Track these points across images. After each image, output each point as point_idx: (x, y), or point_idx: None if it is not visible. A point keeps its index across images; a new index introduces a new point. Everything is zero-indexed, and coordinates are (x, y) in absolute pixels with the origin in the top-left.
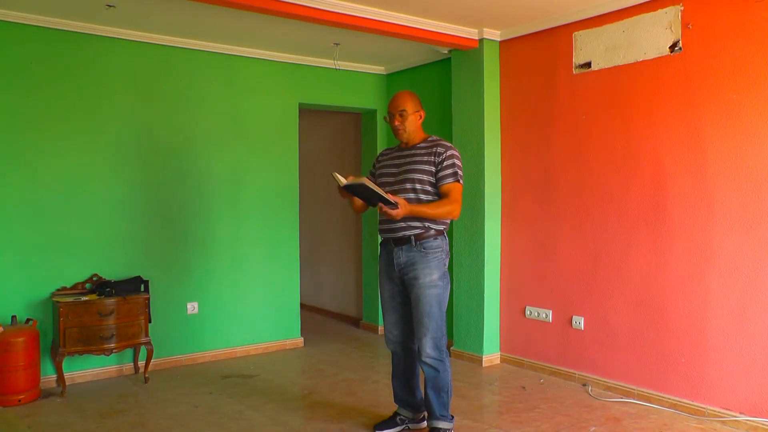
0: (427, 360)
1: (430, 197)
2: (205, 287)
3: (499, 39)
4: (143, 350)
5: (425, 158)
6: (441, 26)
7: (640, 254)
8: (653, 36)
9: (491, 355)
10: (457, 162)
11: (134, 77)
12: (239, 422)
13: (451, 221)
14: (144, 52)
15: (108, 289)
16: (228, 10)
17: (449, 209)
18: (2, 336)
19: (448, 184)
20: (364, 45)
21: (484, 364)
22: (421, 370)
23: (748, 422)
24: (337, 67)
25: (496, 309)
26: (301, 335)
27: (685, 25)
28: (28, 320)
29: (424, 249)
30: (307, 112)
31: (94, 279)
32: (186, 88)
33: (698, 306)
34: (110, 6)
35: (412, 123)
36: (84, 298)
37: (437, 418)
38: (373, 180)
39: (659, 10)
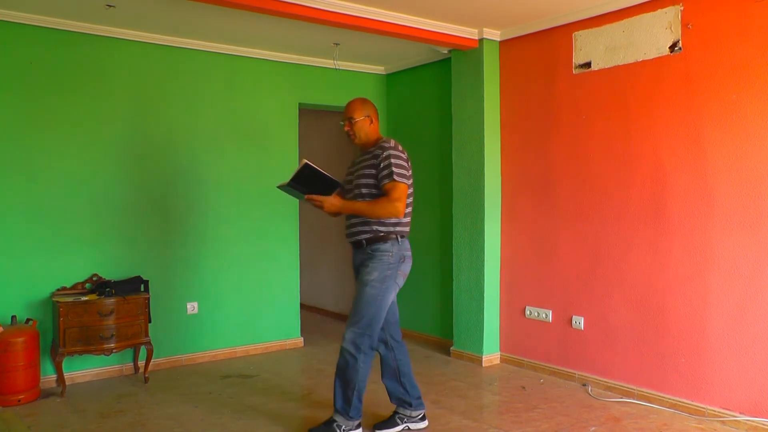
0: (343, 350)
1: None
2: (205, 287)
3: (499, 39)
4: (143, 350)
5: (369, 162)
6: (441, 26)
7: (640, 254)
8: (653, 36)
9: (491, 355)
10: (395, 161)
11: (134, 77)
12: (239, 422)
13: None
14: (144, 52)
15: (108, 289)
16: (228, 10)
17: (388, 207)
18: (2, 336)
19: (387, 183)
20: (364, 45)
21: (484, 364)
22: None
23: (748, 422)
24: (337, 67)
25: (496, 309)
26: (301, 335)
27: (685, 25)
28: (28, 320)
29: (371, 251)
30: (307, 112)
31: (94, 279)
32: (186, 88)
33: (698, 306)
34: (110, 6)
35: (361, 129)
36: (84, 298)
37: (337, 411)
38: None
39: (659, 10)
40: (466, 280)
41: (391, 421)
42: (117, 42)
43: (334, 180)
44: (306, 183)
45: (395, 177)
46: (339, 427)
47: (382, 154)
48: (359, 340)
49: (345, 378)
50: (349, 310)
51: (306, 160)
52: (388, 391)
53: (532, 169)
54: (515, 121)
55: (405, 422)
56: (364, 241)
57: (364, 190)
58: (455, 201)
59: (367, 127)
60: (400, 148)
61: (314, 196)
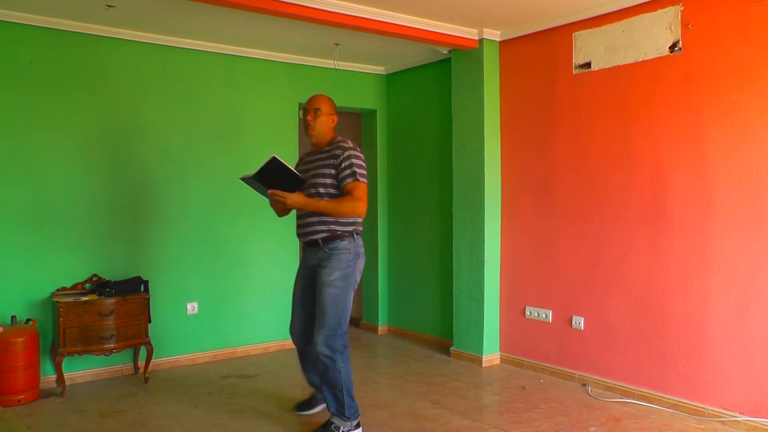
0: (320, 356)
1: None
2: (205, 287)
3: (499, 39)
4: (143, 350)
5: (327, 162)
6: (441, 26)
7: (640, 254)
8: (653, 36)
9: (491, 355)
10: (356, 161)
11: (134, 77)
12: (239, 422)
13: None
14: (144, 52)
15: (108, 289)
16: (228, 10)
17: (351, 206)
18: (2, 336)
19: (350, 183)
20: (364, 45)
21: (484, 364)
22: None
23: (748, 422)
24: (337, 67)
25: (496, 309)
26: None
27: (685, 25)
28: (28, 320)
29: (329, 250)
30: None
31: (94, 279)
32: (186, 88)
33: (698, 306)
34: (110, 6)
35: (323, 124)
36: (84, 298)
37: (333, 414)
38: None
39: (659, 10)
40: (466, 280)
41: (311, 401)
42: (117, 42)
43: (299, 176)
44: (271, 178)
45: (358, 177)
46: (337, 428)
47: (343, 154)
48: (332, 342)
49: (330, 382)
50: (316, 312)
51: (274, 155)
52: (307, 379)
53: (532, 169)
54: (515, 121)
55: (323, 402)
56: (320, 240)
57: (321, 189)
58: (455, 201)
59: (329, 124)
60: (358, 148)
61: (278, 192)
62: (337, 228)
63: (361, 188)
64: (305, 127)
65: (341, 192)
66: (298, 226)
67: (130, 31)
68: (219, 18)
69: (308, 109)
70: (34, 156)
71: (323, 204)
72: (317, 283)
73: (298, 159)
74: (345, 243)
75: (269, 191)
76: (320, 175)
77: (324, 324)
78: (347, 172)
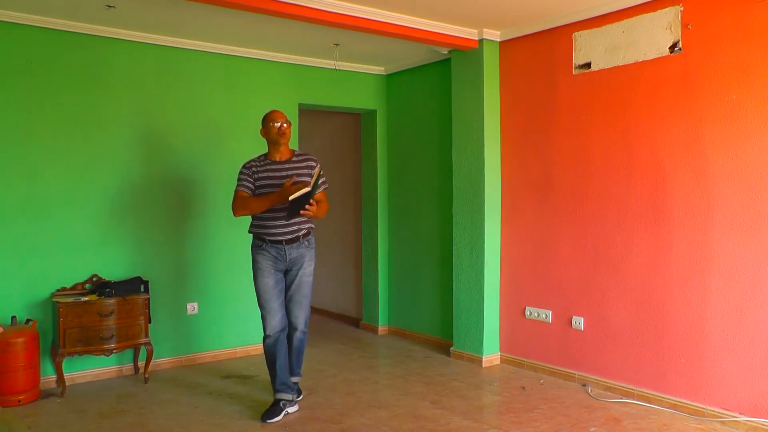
0: (299, 335)
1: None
2: (205, 287)
3: (498, 39)
4: (143, 350)
5: (304, 171)
6: (441, 26)
7: (640, 254)
8: (653, 36)
9: (491, 355)
10: (322, 171)
11: (134, 77)
12: (239, 422)
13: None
14: (144, 52)
15: (108, 290)
16: (228, 10)
17: (326, 209)
18: (2, 336)
19: (323, 190)
20: (364, 45)
21: (484, 365)
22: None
23: (747, 422)
24: (337, 68)
25: (496, 309)
26: None
27: (684, 26)
28: (28, 321)
29: (308, 244)
30: (307, 112)
31: (94, 279)
32: (186, 88)
33: (698, 306)
34: (110, 6)
35: (288, 135)
36: (84, 299)
37: (296, 375)
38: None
39: (659, 11)
40: (466, 280)
41: (276, 409)
42: (117, 42)
43: (314, 192)
44: (309, 194)
45: (327, 185)
46: (297, 384)
47: (317, 166)
48: (308, 320)
49: (302, 351)
50: (297, 299)
51: (320, 170)
52: (277, 378)
53: (532, 169)
54: (515, 121)
55: (286, 407)
56: (301, 236)
57: None
58: (455, 201)
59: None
60: None
61: (309, 209)
62: (311, 225)
63: (325, 193)
64: (280, 136)
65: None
66: (283, 226)
67: (130, 31)
68: (219, 18)
69: (281, 122)
70: (34, 156)
71: (317, 209)
72: (300, 274)
73: (248, 166)
74: (313, 238)
75: (307, 205)
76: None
77: (305, 306)
78: (322, 180)
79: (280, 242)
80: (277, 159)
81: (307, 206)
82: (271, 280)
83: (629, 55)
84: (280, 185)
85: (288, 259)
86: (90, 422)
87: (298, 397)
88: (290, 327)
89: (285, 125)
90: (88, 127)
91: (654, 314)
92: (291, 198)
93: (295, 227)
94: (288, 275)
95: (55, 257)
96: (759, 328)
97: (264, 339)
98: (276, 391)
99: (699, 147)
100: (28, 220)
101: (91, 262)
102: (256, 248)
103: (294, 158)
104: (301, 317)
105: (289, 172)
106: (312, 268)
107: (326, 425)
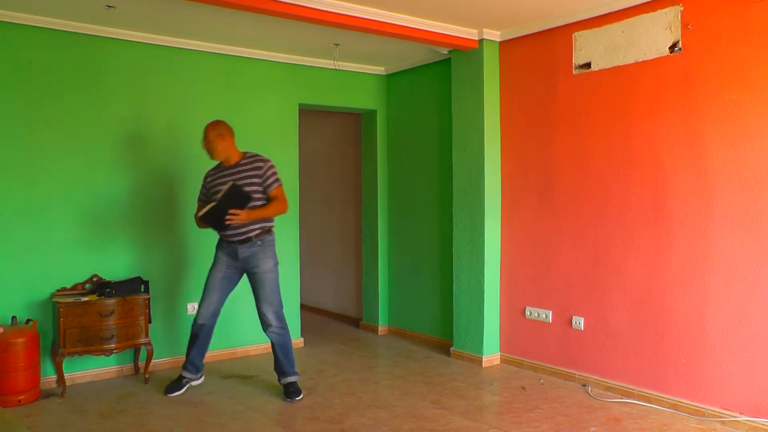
0: (274, 330)
1: (262, 202)
2: None
3: (498, 39)
4: (143, 350)
5: (251, 172)
6: (441, 26)
7: (640, 254)
8: (653, 36)
9: (491, 355)
10: (275, 169)
11: (134, 77)
12: (239, 422)
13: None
14: (144, 53)
15: (108, 290)
16: (228, 10)
17: (284, 207)
18: (2, 336)
19: (277, 187)
20: (364, 45)
21: (484, 365)
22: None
23: (748, 422)
24: (337, 68)
25: (496, 309)
26: (301, 335)
27: (684, 26)
28: (28, 321)
29: (262, 243)
30: (307, 112)
31: (94, 279)
32: (186, 88)
33: (698, 306)
34: (110, 6)
35: (218, 144)
36: (84, 299)
37: (290, 375)
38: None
39: (659, 11)
40: (466, 280)
41: (178, 384)
42: (117, 42)
43: (249, 195)
44: (227, 202)
45: (280, 182)
46: (295, 381)
47: (265, 165)
48: (281, 315)
49: (285, 347)
50: (261, 295)
51: (232, 181)
52: (190, 361)
53: (532, 169)
54: (515, 121)
55: (189, 382)
56: (253, 237)
57: (255, 196)
58: (455, 201)
59: (222, 142)
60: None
61: (236, 210)
62: (265, 225)
63: (282, 189)
64: (206, 149)
65: (265, 195)
66: (231, 228)
67: (130, 31)
68: (219, 18)
69: (207, 136)
70: (34, 156)
71: (261, 212)
72: (257, 273)
73: (205, 176)
74: (272, 237)
75: (230, 210)
76: (252, 184)
77: (273, 302)
78: (273, 179)
79: (233, 242)
80: (225, 165)
81: (227, 217)
82: (219, 274)
83: (629, 55)
84: (219, 191)
85: (241, 258)
86: (90, 422)
87: (297, 396)
88: (263, 324)
89: (211, 138)
90: (88, 126)
91: (654, 314)
92: (199, 215)
93: (246, 228)
94: (250, 276)
95: (55, 257)
96: (759, 328)
97: (192, 322)
98: (183, 368)
99: (699, 147)
100: (28, 220)
101: (91, 262)
102: (218, 243)
103: (243, 161)
104: (269, 313)
105: (234, 177)
106: (271, 264)
107: (326, 425)
